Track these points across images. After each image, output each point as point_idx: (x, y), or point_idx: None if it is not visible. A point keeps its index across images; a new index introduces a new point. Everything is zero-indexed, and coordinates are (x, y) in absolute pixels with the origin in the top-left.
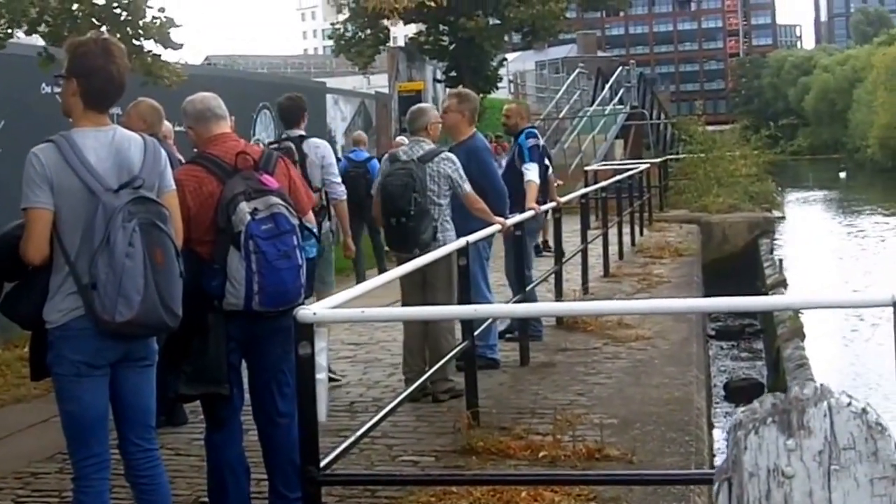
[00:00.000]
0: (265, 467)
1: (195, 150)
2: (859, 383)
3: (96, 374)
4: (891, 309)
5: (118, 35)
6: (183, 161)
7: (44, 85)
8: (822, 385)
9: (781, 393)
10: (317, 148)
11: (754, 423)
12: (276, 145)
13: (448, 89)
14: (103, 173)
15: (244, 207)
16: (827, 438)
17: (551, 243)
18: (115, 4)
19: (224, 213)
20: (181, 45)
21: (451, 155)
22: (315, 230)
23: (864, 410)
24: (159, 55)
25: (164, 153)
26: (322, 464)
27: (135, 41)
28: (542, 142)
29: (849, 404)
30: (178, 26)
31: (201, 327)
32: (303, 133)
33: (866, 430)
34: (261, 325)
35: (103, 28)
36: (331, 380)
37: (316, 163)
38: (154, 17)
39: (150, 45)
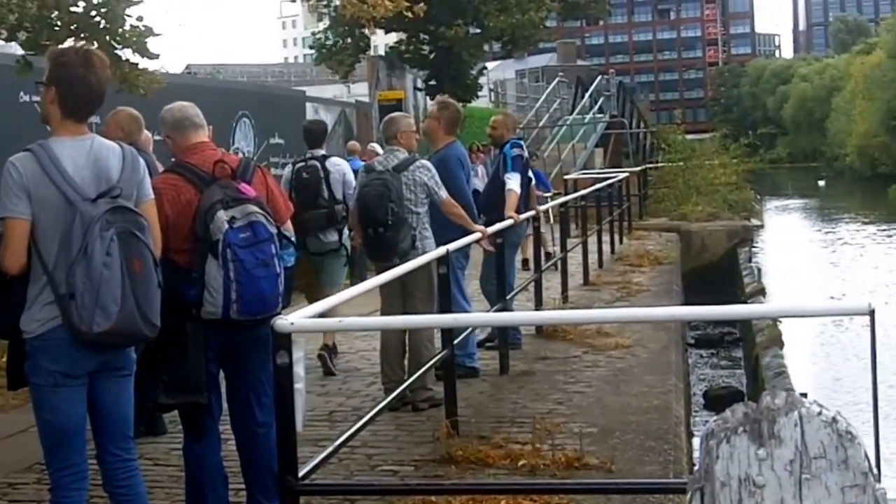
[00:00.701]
0: (243, 477)
1: (173, 158)
2: (837, 390)
3: (74, 384)
4: (868, 317)
5: (96, 43)
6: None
7: (22, 94)
8: (792, 394)
9: (753, 402)
10: (337, 166)
11: (726, 433)
12: (303, 163)
13: (428, 98)
14: (81, 182)
15: (222, 216)
16: (798, 447)
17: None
18: (94, 13)
19: (202, 222)
20: (157, 56)
21: (426, 162)
22: (293, 238)
23: (834, 419)
24: (136, 64)
25: (142, 162)
26: (300, 473)
27: (112, 50)
28: (526, 153)
29: (819, 413)
30: (156, 35)
31: (179, 336)
32: (325, 153)
33: (837, 438)
34: (239, 334)
35: (81, 36)
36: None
37: (338, 178)
38: (133, 26)
39: (127, 53)
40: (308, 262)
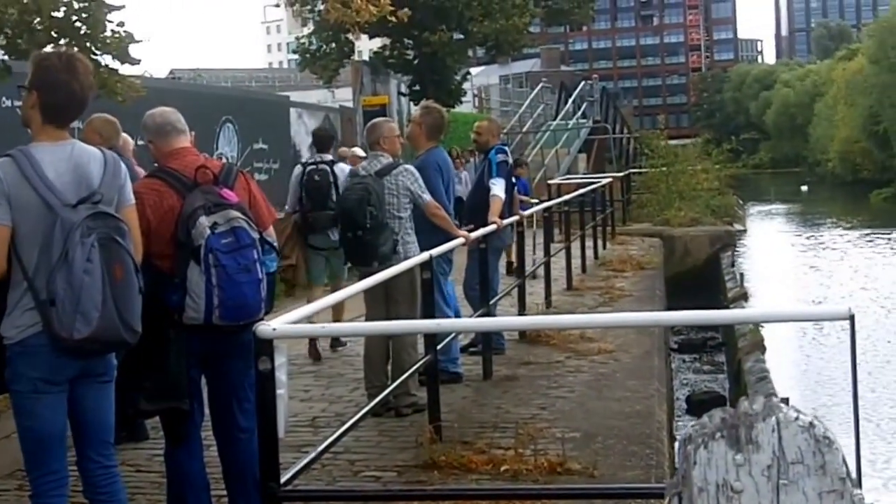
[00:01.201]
0: (225, 483)
1: (155, 164)
2: (819, 394)
3: (54, 391)
4: (848, 322)
5: (76, 48)
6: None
7: (4, 98)
8: (770, 399)
9: (731, 407)
10: (343, 171)
11: (703, 438)
12: (314, 166)
13: (412, 103)
14: (62, 188)
15: (204, 221)
16: (775, 453)
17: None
18: (75, 18)
19: (184, 227)
20: (139, 61)
21: (409, 167)
22: (275, 244)
23: (811, 424)
24: (116, 70)
25: (123, 167)
26: (283, 479)
27: (93, 55)
28: (510, 159)
29: (796, 418)
30: (137, 41)
31: (161, 342)
32: (332, 158)
33: (814, 443)
34: (221, 339)
35: (62, 41)
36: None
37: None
38: (114, 32)
39: (107, 59)
40: (302, 256)
